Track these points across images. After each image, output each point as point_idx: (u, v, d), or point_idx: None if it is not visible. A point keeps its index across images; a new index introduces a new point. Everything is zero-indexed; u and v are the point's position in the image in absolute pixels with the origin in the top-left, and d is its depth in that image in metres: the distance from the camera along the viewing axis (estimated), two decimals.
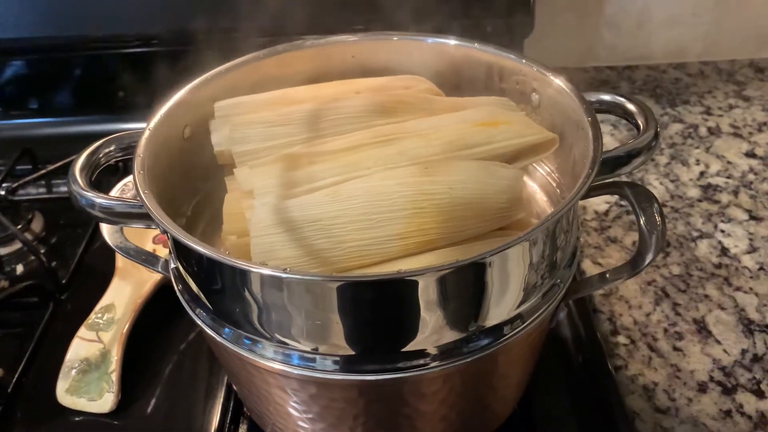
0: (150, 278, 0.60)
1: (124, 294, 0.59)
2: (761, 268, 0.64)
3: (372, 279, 0.36)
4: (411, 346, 0.37)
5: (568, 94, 0.45)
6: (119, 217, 0.41)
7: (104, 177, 0.56)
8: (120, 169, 0.72)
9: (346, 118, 0.46)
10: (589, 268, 0.64)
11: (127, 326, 0.56)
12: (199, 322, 0.41)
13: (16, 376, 0.55)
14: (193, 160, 0.48)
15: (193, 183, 0.49)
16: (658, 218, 0.40)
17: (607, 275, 0.43)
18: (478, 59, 0.51)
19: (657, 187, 0.74)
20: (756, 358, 0.56)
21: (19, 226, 0.68)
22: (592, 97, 0.46)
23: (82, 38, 0.80)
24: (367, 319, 0.36)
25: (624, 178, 0.43)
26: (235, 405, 0.53)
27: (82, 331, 0.56)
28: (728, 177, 0.75)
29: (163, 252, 0.60)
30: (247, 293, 0.37)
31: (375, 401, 0.41)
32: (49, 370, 0.55)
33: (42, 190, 0.76)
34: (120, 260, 0.62)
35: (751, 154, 0.78)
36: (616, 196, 0.69)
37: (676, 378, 0.55)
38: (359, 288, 0.35)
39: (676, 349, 0.57)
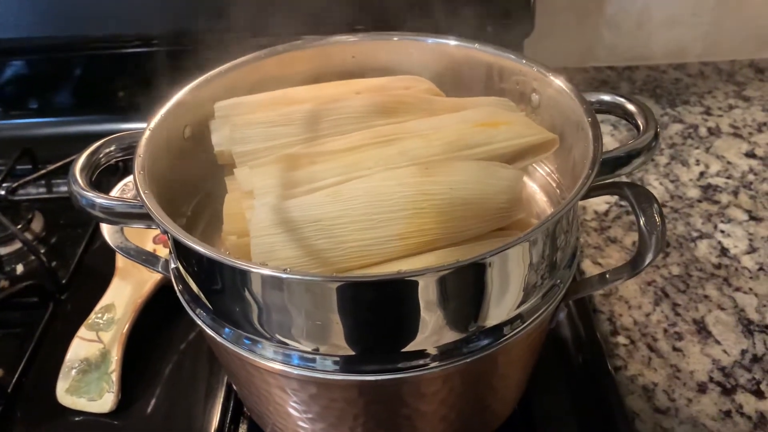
0: (150, 278, 0.60)
1: (124, 294, 0.59)
2: (761, 269, 0.64)
3: (372, 279, 0.36)
4: (411, 347, 0.37)
5: (568, 95, 0.45)
6: (119, 217, 0.41)
7: (104, 177, 0.56)
8: (120, 168, 0.72)
9: (347, 118, 0.46)
10: (589, 269, 0.64)
11: (127, 326, 0.56)
12: (199, 322, 0.41)
13: (16, 376, 0.55)
14: (193, 160, 0.48)
15: (194, 183, 0.49)
16: (657, 219, 0.40)
17: (607, 276, 0.43)
18: (478, 59, 0.51)
19: (657, 187, 0.74)
20: (756, 359, 0.56)
21: (19, 226, 0.68)
22: (592, 97, 0.46)
23: (82, 38, 0.80)
24: (367, 320, 0.36)
25: (624, 179, 0.43)
26: (235, 405, 0.53)
27: (82, 331, 0.56)
28: (728, 177, 0.75)
29: (163, 252, 0.60)
30: (247, 293, 0.37)
31: (375, 401, 0.41)
32: (49, 370, 0.55)
33: (42, 190, 0.76)
34: (120, 260, 0.62)
35: (751, 155, 0.78)
36: (616, 197, 0.69)
37: (675, 378, 0.55)
38: (359, 288, 0.35)
39: (675, 349, 0.57)
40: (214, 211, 0.48)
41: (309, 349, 0.37)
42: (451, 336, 0.37)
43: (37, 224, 0.70)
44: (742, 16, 0.93)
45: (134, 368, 0.55)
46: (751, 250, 0.66)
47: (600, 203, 0.72)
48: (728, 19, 0.93)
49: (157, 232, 0.61)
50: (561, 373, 0.54)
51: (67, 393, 0.53)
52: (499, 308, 0.38)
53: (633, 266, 0.42)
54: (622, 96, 0.46)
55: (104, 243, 0.48)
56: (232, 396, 0.53)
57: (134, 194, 0.39)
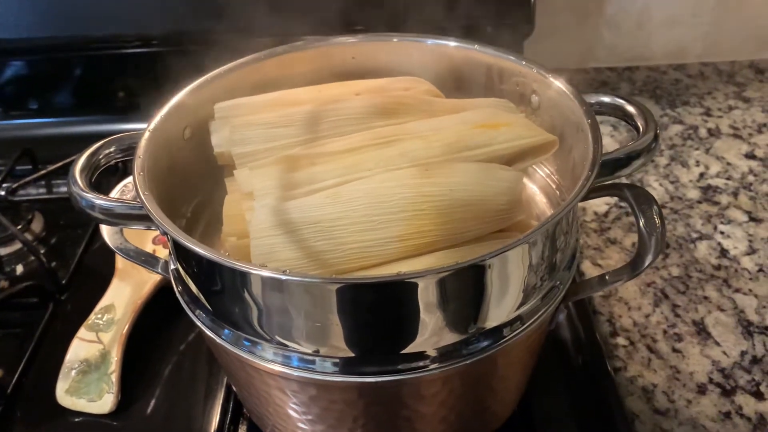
0: (150, 279, 0.60)
1: (124, 295, 0.59)
2: (761, 270, 0.64)
3: (372, 281, 0.36)
4: (410, 348, 0.37)
5: (568, 96, 0.45)
6: (119, 218, 0.41)
7: (104, 177, 0.56)
8: (120, 169, 0.72)
9: (346, 119, 0.46)
10: (589, 270, 0.64)
11: (126, 327, 0.56)
12: (198, 323, 0.41)
13: (16, 376, 0.55)
14: (193, 162, 0.48)
15: (193, 184, 0.49)
16: (657, 220, 0.40)
17: (607, 277, 0.43)
18: (478, 61, 0.51)
19: (656, 188, 0.74)
20: (755, 360, 0.56)
21: (19, 227, 0.68)
22: (592, 98, 0.46)
23: (82, 38, 0.80)
24: (366, 321, 0.36)
25: (624, 180, 0.43)
26: (234, 406, 0.53)
27: (82, 332, 0.56)
28: (728, 178, 0.75)
29: (162, 253, 0.60)
30: (246, 295, 0.37)
31: (374, 403, 0.41)
32: (48, 370, 0.55)
33: (42, 190, 0.76)
34: (120, 261, 0.62)
35: (750, 156, 0.78)
36: (616, 198, 0.69)
37: (675, 379, 0.55)
38: (359, 290, 0.35)
39: (675, 350, 0.57)
40: (214, 212, 0.48)
41: (309, 351, 0.37)
42: (450, 338, 0.37)
43: (37, 225, 0.70)
44: (742, 17, 0.93)
45: (134, 369, 0.55)
46: (751, 251, 0.66)
47: (600, 204, 0.72)
48: (728, 19, 0.93)
49: (157, 232, 0.61)
50: (561, 375, 0.54)
51: (66, 394, 0.53)
52: (499, 310, 0.38)
53: (633, 268, 0.42)
54: (621, 97, 0.46)
55: (104, 244, 0.48)
56: (231, 397, 0.53)
57: (134, 195, 0.39)
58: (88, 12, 0.78)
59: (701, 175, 0.76)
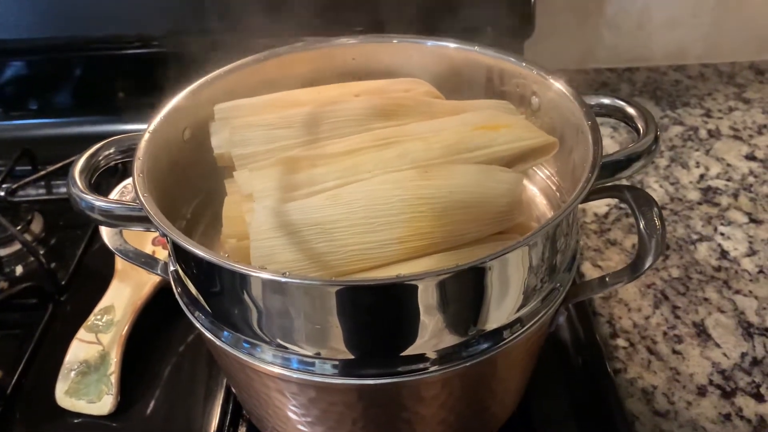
0: (149, 280, 0.59)
1: (124, 296, 0.59)
2: (761, 271, 0.64)
3: (371, 283, 0.36)
4: (410, 351, 0.37)
5: (568, 98, 0.45)
6: (119, 220, 0.41)
7: (104, 178, 0.56)
8: (120, 169, 0.72)
9: (346, 121, 0.46)
10: (589, 271, 0.64)
11: (126, 328, 0.56)
12: (198, 325, 0.41)
13: (15, 377, 0.55)
14: (193, 163, 0.48)
15: (193, 185, 0.49)
16: (657, 222, 0.39)
17: (607, 279, 0.43)
18: (478, 62, 0.51)
19: (657, 189, 0.74)
20: (755, 362, 0.56)
21: (19, 227, 0.68)
22: (592, 100, 0.46)
23: (81, 39, 0.80)
24: (366, 324, 0.36)
25: (624, 181, 0.43)
26: (234, 407, 0.53)
27: (82, 333, 0.56)
28: (728, 180, 0.75)
29: (162, 254, 0.60)
30: (246, 297, 0.37)
31: (374, 405, 0.41)
32: (48, 371, 0.55)
33: (42, 191, 0.76)
34: (119, 262, 0.62)
35: (751, 157, 0.78)
36: (616, 199, 0.69)
37: (675, 381, 0.55)
38: (358, 292, 0.35)
39: (675, 352, 0.57)
40: (214, 213, 0.48)
41: (308, 353, 0.37)
42: (450, 340, 0.37)
43: (37, 225, 0.70)
44: (742, 18, 0.93)
45: (133, 370, 0.55)
46: (751, 252, 0.66)
47: (600, 205, 0.72)
48: (728, 20, 0.93)
49: (156, 234, 0.61)
50: (560, 376, 0.54)
51: (66, 395, 0.53)
52: (499, 312, 0.38)
53: (633, 270, 0.42)
54: (622, 99, 0.46)
55: (103, 245, 0.48)
56: (231, 398, 0.53)
57: (133, 197, 0.39)
58: (88, 12, 0.78)
59: (701, 176, 0.76)
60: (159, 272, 0.47)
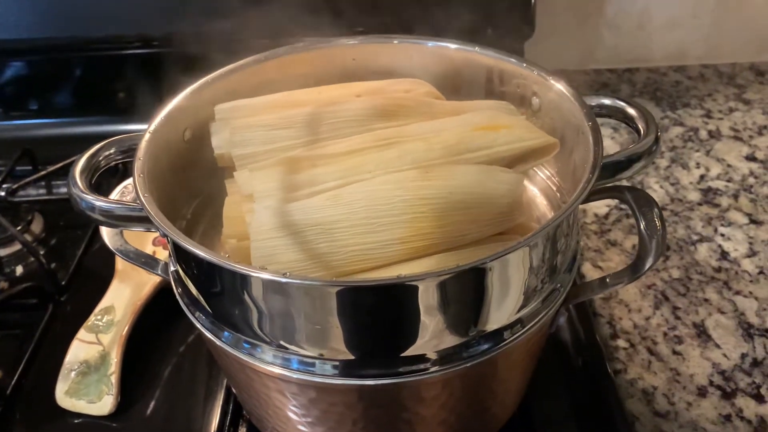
0: (149, 280, 0.59)
1: (124, 296, 0.59)
2: (761, 272, 0.64)
3: (372, 284, 0.36)
4: (411, 351, 0.37)
5: (569, 98, 0.45)
6: (119, 220, 0.41)
7: (104, 179, 0.56)
8: (120, 170, 0.72)
9: (347, 121, 0.46)
10: (589, 272, 0.64)
11: (126, 328, 0.56)
12: (198, 325, 0.41)
13: (15, 377, 0.55)
14: (193, 163, 0.48)
15: (194, 186, 0.49)
16: (658, 223, 0.39)
17: (608, 280, 0.43)
18: (479, 63, 0.51)
19: (657, 190, 0.74)
20: (756, 363, 0.56)
21: (19, 228, 0.68)
22: (593, 101, 0.46)
23: (82, 39, 0.80)
24: (366, 324, 0.36)
25: (624, 182, 0.43)
26: (234, 408, 0.53)
27: (82, 333, 0.56)
28: (728, 180, 0.75)
29: (162, 254, 0.60)
30: (246, 297, 0.37)
31: (374, 406, 0.41)
32: (48, 372, 0.54)
33: (42, 191, 0.76)
34: (120, 262, 0.62)
35: (751, 158, 0.78)
36: (617, 200, 0.69)
37: (675, 382, 0.55)
38: (359, 293, 0.35)
39: (675, 353, 0.57)
40: (214, 213, 0.48)
41: (309, 353, 0.37)
42: (451, 340, 0.37)
43: (37, 226, 0.70)
44: (742, 19, 0.93)
45: (134, 370, 0.55)
46: (752, 253, 0.66)
47: (600, 206, 0.72)
48: (729, 21, 0.93)
49: (157, 234, 0.61)
50: (561, 377, 0.54)
51: (66, 395, 0.53)
52: (500, 313, 0.38)
53: (633, 270, 0.42)
54: (622, 100, 0.46)
55: (104, 245, 0.48)
56: (231, 399, 0.53)
57: (134, 197, 0.39)
58: (88, 12, 0.78)
59: (702, 177, 0.76)
60: (159, 272, 0.47)
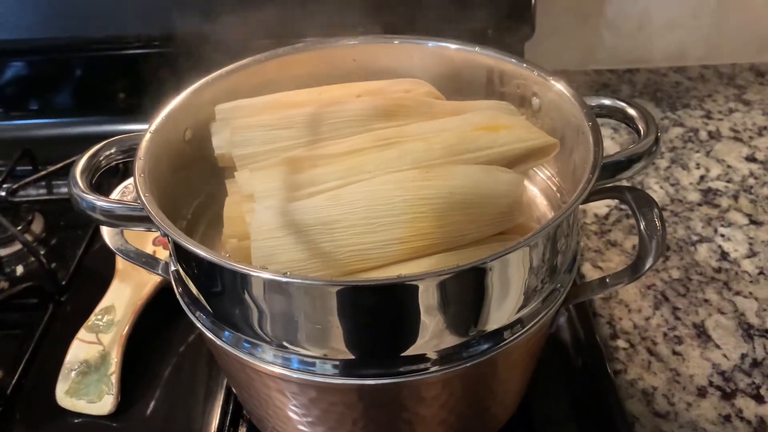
0: (150, 280, 0.59)
1: (124, 296, 0.59)
2: (761, 273, 0.64)
3: (372, 284, 0.36)
4: (411, 351, 0.37)
5: (569, 99, 0.45)
6: (120, 220, 0.41)
7: (105, 179, 0.56)
8: (121, 170, 0.72)
9: (347, 121, 0.46)
10: (589, 272, 0.64)
11: (126, 328, 0.56)
12: (198, 325, 0.41)
13: (16, 377, 0.55)
14: (194, 163, 0.48)
15: (194, 185, 0.49)
16: (658, 223, 0.40)
17: (607, 280, 0.43)
18: (479, 63, 0.51)
19: (657, 190, 0.74)
20: (755, 363, 0.56)
21: (19, 228, 0.68)
22: (593, 101, 0.46)
23: (82, 39, 0.80)
24: (367, 324, 0.36)
25: (624, 182, 0.43)
26: (234, 408, 0.53)
27: (82, 333, 0.56)
28: (728, 181, 0.75)
29: (163, 254, 0.60)
30: (247, 297, 0.37)
31: (374, 405, 0.41)
32: (48, 371, 0.54)
33: (42, 191, 0.76)
34: (120, 262, 0.62)
35: (751, 159, 0.78)
36: (617, 200, 0.69)
37: (675, 382, 0.55)
38: (359, 293, 0.35)
39: (675, 353, 0.57)
40: (215, 213, 0.48)
41: (309, 353, 0.37)
42: (451, 340, 0.37)
43: (37, 225, 0.70)
44: (742, 19, 0.93)
45: (134, 370, 0.55)
46: (752, 254, 0.66)
47: (600, 206, 0.72)
48: (729, 22, 0.93)
49: (157, 234, 0.61)
50: (561, 377, 0.54)
51: (66, 395, 0.53)
52: (500, 313, 0.38)
53: (633, 271, 0.42)
54: (622, 100, 0.46)
55: (104, 245, 0.48)
56: (231, 399, 0.53)
57: (134, 197, 0.39)
58: (88, 12, 0.78)
59: (702, 177, 0.76)
60: (160, 272, 0.47)
